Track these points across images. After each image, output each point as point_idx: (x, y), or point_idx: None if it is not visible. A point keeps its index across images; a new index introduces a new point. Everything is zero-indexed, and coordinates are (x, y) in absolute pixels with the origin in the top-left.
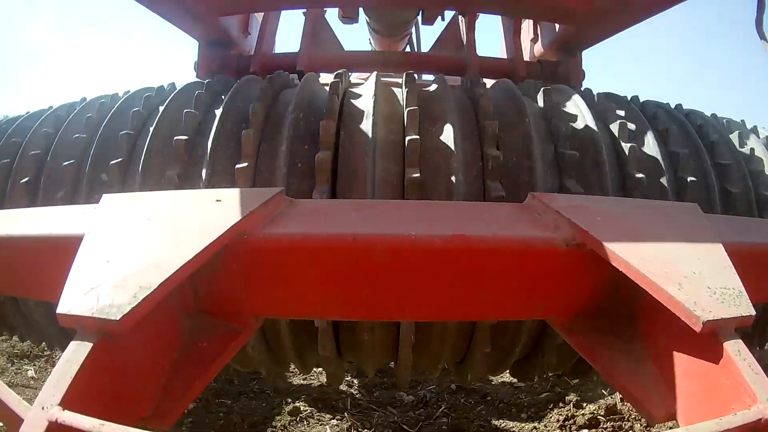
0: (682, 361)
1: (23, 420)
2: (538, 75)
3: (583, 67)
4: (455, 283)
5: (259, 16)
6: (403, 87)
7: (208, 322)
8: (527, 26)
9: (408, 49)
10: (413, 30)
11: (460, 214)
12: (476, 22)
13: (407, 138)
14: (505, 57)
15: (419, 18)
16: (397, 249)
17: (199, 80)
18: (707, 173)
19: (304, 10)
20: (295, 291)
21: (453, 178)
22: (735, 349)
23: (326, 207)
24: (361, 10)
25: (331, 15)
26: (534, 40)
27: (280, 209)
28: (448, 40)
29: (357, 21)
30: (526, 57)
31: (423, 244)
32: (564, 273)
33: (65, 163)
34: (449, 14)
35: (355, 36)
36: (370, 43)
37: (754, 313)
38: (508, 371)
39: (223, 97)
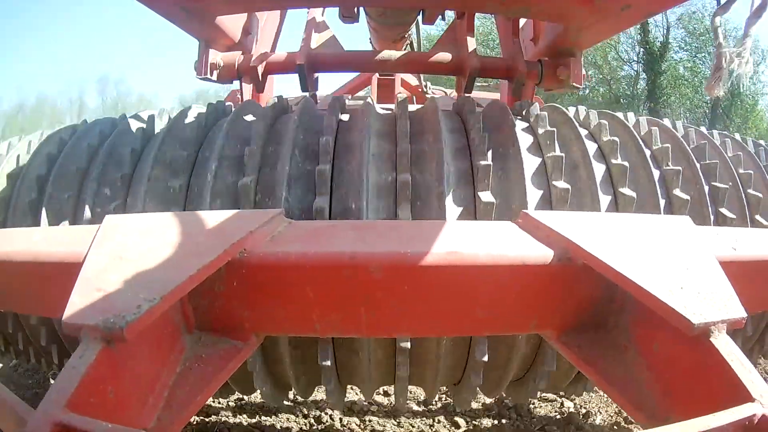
0: (676, 367)
1: (26, 421)
2: (538, 75)
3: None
4: (451, 299)
5: (260, 16)
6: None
7: (210, 339)
8: (527, 26)
9: (408, 49)
10: (413, 30)
11: (454, 232)
12: (475, 22)
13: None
14: (505, 57)
15: (419, 18)
16: (393, 267)
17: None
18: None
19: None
20: (294, 308)
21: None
22: (727, 349)
23: (324, 227)
24: (361, 10)
25: (332, 15)
26: (534, 40)
27: (280, 229)
28: (449, 40)
29: (357, 21)
30: (527, 57)
31: (419, 262)
32: (557, 287)
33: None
34: (449, 14)
35: (355, 36)
36: (371, 42)
37: (745, 314)
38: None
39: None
